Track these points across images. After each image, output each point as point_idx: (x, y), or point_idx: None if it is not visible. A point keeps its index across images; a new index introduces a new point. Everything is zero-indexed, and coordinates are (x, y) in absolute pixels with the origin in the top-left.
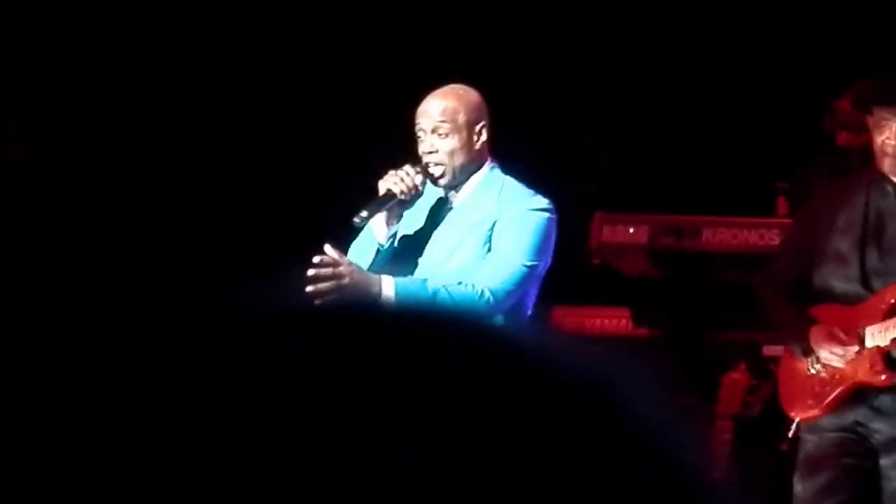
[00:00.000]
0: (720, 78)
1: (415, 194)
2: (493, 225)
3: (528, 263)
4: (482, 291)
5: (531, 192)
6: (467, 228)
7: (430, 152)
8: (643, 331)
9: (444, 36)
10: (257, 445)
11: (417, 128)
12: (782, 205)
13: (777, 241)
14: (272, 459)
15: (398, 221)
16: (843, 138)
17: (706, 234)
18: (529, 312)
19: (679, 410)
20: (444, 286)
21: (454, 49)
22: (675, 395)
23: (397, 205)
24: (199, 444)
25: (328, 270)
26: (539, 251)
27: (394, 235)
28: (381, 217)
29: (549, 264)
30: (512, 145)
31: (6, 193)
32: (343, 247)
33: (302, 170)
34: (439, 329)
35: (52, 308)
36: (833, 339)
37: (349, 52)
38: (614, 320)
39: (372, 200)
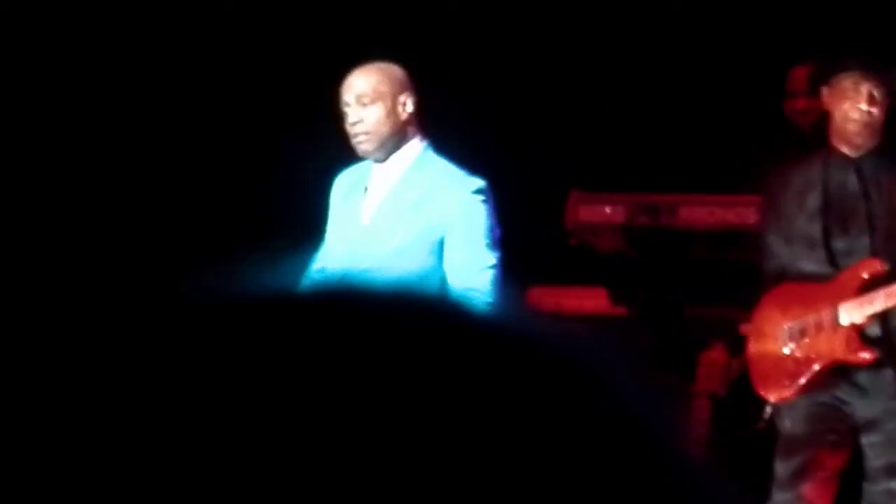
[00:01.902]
0: (692, 54)
1: None
2: (435, 209)
3: (495, 256)
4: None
5: (465, 173)
6: (406, 208)
7: (356, 122)
8: (620, 310)
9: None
10: (246, 445)
11: (342, 104)
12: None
13: (753, 219)
14: (261, 461)
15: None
16: (800, 103)
17: (683, 212)
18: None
19: (657, 389)
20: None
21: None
22: (652, 374)
23: None
24: (187, 447)
25: None
26: (496, 238)
27: None
28: None
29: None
30: (486, 121)
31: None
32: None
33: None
34: (411, 312)
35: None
36: None
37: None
38: (591, 299)
39: None
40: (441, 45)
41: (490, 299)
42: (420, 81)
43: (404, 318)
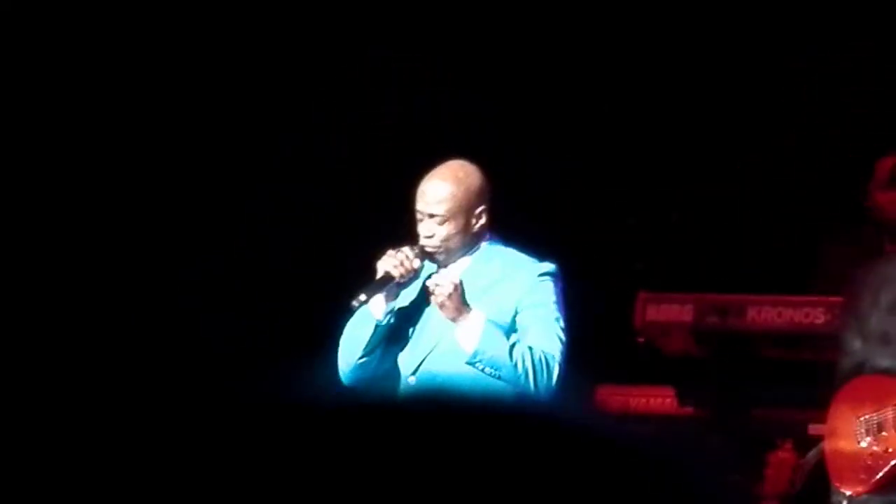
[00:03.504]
0: (760, 158)
1: (413, 276)
2: (504, 292)
3: (564, 333)
4: (553, 357)
5: (534, 258)
6: (474, 294)
7: (428, 237)
8: (688, 410)
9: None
10: None
11: (416, 209)
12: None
13: (821, 320)
14: None
15: (396, 298)
16: (885, 198)
17: (751, 313)
18: None
19: (726, 490)
20: (524, 345)
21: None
22: (721, 475)
23: (395, 285)
24: None
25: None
26: (564, 319)
27: (391, 311)
28: (378, 296)
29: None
30: (557, 224)
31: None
32: (340, 324)
33: (298, 248)
34: (483, 410)
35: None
36: None
37: (349, 126)
38: (659, 399)
39: (370, 283)
40: (512, 140)
41: (559, 363)
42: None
43: (483, 427)
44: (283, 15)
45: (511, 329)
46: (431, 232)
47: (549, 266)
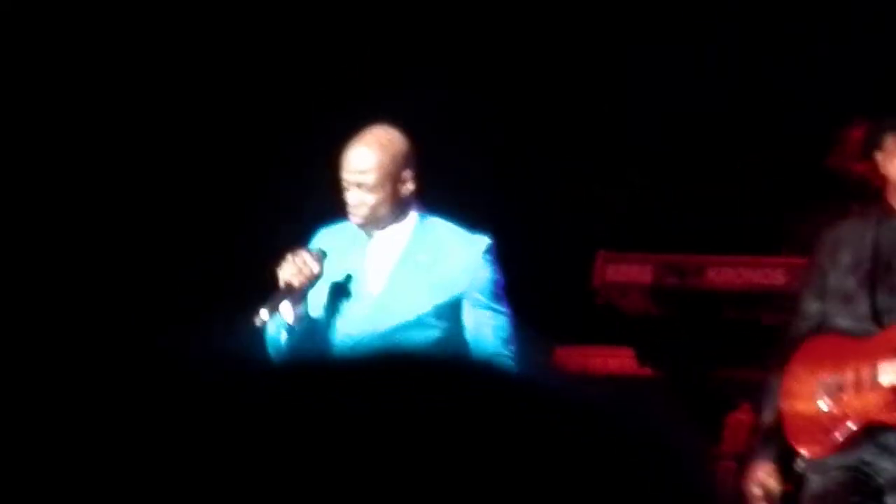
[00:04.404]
0: (722, 116)
1: (314, 280)
2: (447, 270)
3: (505, 309)
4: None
5: (468, 232)
6: (418, 273)
7: (356, 204)
8: (647, 370)
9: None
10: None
11: (342, 177)
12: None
13: (781, 281)
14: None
15: (304, 300)
16: (860, 167)
17: (710, 273)
18: None
19: (683, 451)
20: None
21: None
22: (679, 435)
23: (298, 293)
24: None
25: None
26: (502, 289)
27: (304, 313)
28: (285, 303)
29: None
30: (516, 183)
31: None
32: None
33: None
34: (436, 372)
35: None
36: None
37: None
38: (618, 360)
39: (271, 297)
40: (465, 91)
41: (510, 354)
42: (441, 138)
43: (435, 383)
44: (283, 15)
45: (456, 307)
46: (359, 201)
47: (486, 241)
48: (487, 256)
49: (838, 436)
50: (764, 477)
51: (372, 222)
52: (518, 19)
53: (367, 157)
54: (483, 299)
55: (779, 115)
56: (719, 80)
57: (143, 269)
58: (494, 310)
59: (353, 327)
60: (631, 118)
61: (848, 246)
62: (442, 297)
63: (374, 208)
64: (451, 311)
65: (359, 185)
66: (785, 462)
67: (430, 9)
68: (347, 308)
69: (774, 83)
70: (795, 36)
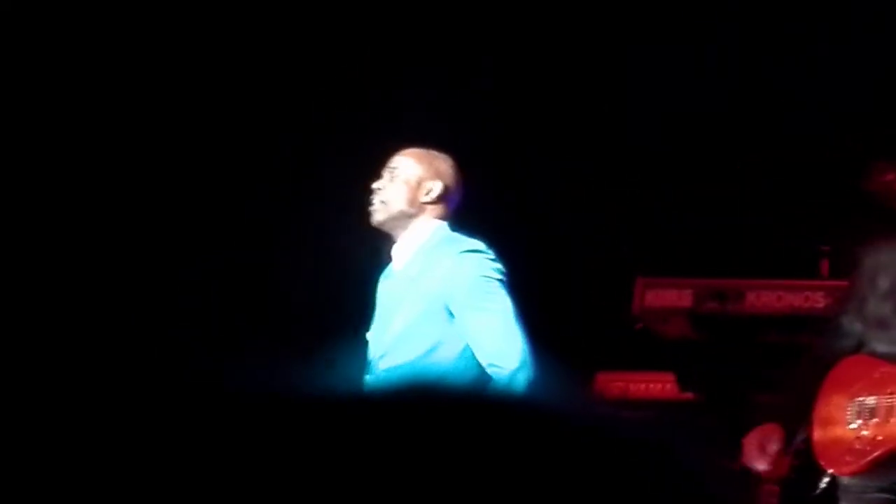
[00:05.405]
0: (722, 116)
1: None
2: (432, 279)
3: (501, 302)
4: (514, 372)
5: (463, 237)
6: (406, 286)
7: (377, 189)
8: (688, 395)
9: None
10: None
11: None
12: (825, 267)
13: (821, 304)
14: None
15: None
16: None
17: (750, 298)
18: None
19: (725, 475)
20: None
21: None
22: (721, 459)
23: None
24: None
25: None
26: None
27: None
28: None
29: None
30: (558, 211)
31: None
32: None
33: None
34: (480, 404)
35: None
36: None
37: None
38: (659, 385)
39: None
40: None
41: (507, 355)
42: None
43: (467, 416)
44: (283, 15)
45: (443, 316)
46: (382, 185)
47: (470, 242)
48: (468, 254)
49: (866, 459)
50: (764, 437)
51: (385, 216)
52: (518, 19)
53: (407, 156)
54: (468, 300)
55: (779, 115)
56: (719, 80)
57: (143, 269)
58: (482, 309)
59: (376, 353)
60: (631, 118)
61: (887, 270)
62: (425, 308)
63: (385, 198)
64: (440, 322)
65: (388, 172)
66: (810, 477)
67: (429, 9)
68: (374, 330)
69: (774, 83)
70: (795, 36)
